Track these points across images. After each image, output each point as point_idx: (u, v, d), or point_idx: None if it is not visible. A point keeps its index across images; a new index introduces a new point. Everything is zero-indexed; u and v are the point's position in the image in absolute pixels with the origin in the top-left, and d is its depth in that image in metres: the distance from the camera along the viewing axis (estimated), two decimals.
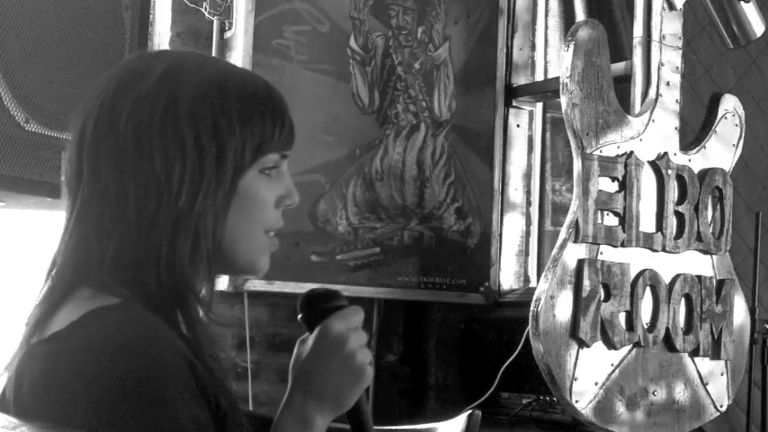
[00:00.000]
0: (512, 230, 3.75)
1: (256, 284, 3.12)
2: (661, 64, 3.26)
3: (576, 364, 3.01)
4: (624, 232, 3.15)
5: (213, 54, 3.14)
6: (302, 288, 3.22)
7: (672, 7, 3.28)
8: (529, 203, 3.82)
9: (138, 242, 1.24)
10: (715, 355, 3.32)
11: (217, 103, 1.27)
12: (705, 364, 3.30)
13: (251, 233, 1.31)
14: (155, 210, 1.24)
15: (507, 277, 3.72)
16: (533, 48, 3.87)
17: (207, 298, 1.32)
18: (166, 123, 1.25)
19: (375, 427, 1.32)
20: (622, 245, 3.14)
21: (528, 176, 3.82)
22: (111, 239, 1.24)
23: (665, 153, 3.25)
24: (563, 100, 3.08)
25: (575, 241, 3.06)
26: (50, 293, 1.26)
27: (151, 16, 2.91)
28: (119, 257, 1.24)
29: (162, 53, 1.48)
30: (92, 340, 1.16)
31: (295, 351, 1.33)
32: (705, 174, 3.35)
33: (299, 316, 1.32)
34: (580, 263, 3.05)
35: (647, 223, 3.21)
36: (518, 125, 3.79)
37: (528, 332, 3.01)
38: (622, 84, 3.27)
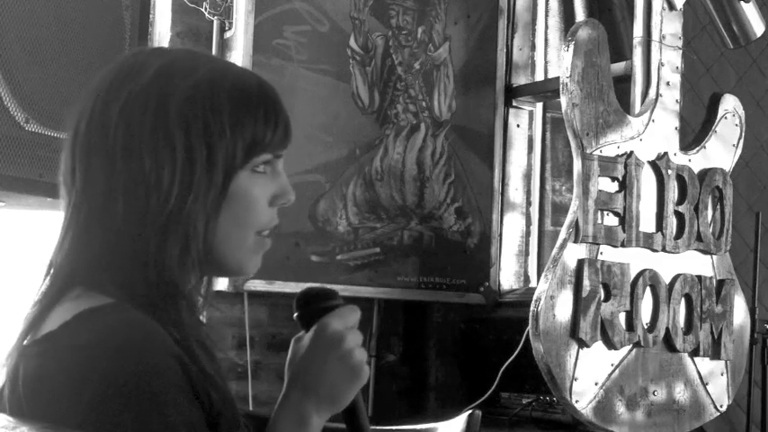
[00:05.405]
0: (512, 230, 3.75)
1: (256, 284, 3.11)
2: (661, 64, 3.26)
3: (576, 364, 3.01)
4: (624, 232, 3.15)
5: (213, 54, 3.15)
6: (302, 288, 3.23)
7: (672, 7, 3.28)
8: (529, 203, 3.82)
9: (127, 243, 1.23)
10: (715, 355, 3.32)
11: (208, 104, 1.26)
12: (705, 364, 3.30)
13: (242, 234, 1.29)
14: (144, 211, 1.23)
15: (507, 277, 3.72)
16: (533, 48, 3.87)
17: (204, 299, 1.32)
18: (157, 124, 1.24)
19: (375, 427, 1.32)
20: (622, 245, 3.14)
21: (528, 176, 3.82)
22: (101, 239, 1.24)
23: (665, 153, 3.25)
24: (563, 100, 3.08)
25: (575, 241, 3.06)
26: (46, 293, 1.26)
27: (151, 16, 2.91)
28: (108, 258, 1.24)
29: (157, 50, 1.47)
30: (82, 341, 1.16)
31: (290, 349, 1.33)
32: (705, 174, 3.34)
33: (295, 315, 1.32)
34: (580, 263, 3.05)
35: (647, 223, 3.21)
36: (518, 125, 3.79)
37: (528, 332, 3.01)
38: (622, 84, 3.26)
